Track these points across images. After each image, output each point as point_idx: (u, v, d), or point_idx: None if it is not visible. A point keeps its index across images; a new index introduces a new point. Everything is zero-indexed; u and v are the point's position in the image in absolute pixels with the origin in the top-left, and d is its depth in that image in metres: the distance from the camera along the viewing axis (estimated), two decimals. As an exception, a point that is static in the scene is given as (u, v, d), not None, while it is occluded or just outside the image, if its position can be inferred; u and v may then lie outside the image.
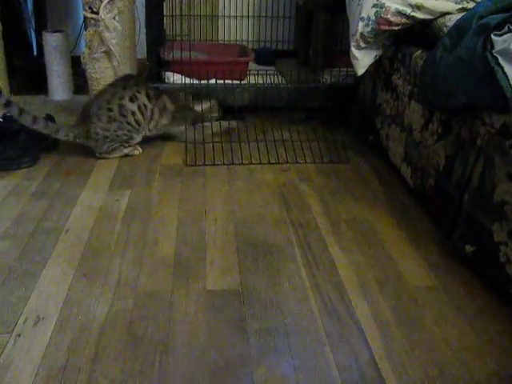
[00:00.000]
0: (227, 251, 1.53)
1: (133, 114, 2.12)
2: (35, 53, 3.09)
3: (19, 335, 1.18)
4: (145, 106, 2.15)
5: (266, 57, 3.01)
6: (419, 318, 1.28)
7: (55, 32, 2.77)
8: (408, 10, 1.88)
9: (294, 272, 1.44)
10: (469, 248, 1.43)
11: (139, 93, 2.14)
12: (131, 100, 2.11)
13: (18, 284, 1.35)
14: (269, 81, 2.61)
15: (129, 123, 2.11)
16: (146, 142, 2.27)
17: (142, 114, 2.14)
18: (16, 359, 1.12)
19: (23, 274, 1.40)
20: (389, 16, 1.91)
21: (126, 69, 2.37)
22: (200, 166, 2.11)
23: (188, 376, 1.09)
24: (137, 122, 2.13)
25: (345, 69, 2.48)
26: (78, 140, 2.09)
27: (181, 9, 2.65)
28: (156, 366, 1.11)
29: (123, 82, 2.15)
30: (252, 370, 1.11)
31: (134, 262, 1.47)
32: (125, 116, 2.10)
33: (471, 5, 1.78)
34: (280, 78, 2.72)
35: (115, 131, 2.09)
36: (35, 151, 2.07)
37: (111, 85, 2.17)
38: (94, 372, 1.09)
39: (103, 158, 2.12)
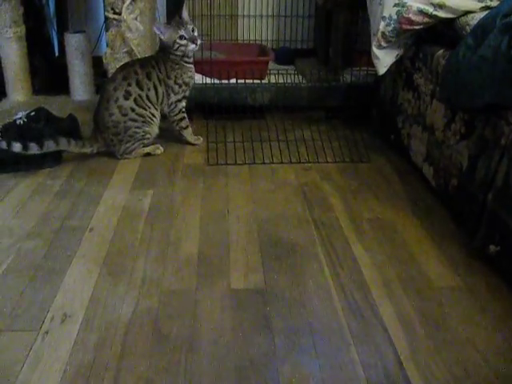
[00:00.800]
0: (250, 250, 1.54)
1: (132, 110, 2.11)
2: (57, 53, 3.12)
3: (47, 332, 1.20)
4: (140, 96, 2.12)
5: (285, 56, 3.01)
6: (444, 318, 1.28)
7: (76, 33, 2.79)
8: (430, 9, 1.87)
9: (317, 271, 1.45)
10: (493, 248, 1.42)
11: (130, 86, 2.11)
12: (125, 98, 2.10)
13: (44, 282, 1.37)
14: (289, 80, 2.61)
15: (133, 119, 2.11)
16: (168, 140, 2.29)
17: (141, 106, 2.13)
18: (44, 356, 1.13)
19: (49, 272, 1.42)
20: (411, 15, 1.91)
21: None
22: (222, 165, 2.12)
23: (213, 374, 1.10)
24: (140, 115, 2.13)
25: (365, 68, 2.47)
26: (101, 150, 2.13)
27: (201, 9, 2.66)
28: (182, 363, 1.12)
29: (113, 83, 2.11)
30: (277, 368, 1.12)
31: (158, 260, 1.48)
32: (126, 115, 2.10)
33: (495, 3, 1.76)
34: (300, 77, 2.72)
35: (125, 132, 2.11)
36: (58, 151, 2.09)
37: (104, 89, 2.14)
38: (120, 369, 1.11)
39: (125, 159, 2.14)
